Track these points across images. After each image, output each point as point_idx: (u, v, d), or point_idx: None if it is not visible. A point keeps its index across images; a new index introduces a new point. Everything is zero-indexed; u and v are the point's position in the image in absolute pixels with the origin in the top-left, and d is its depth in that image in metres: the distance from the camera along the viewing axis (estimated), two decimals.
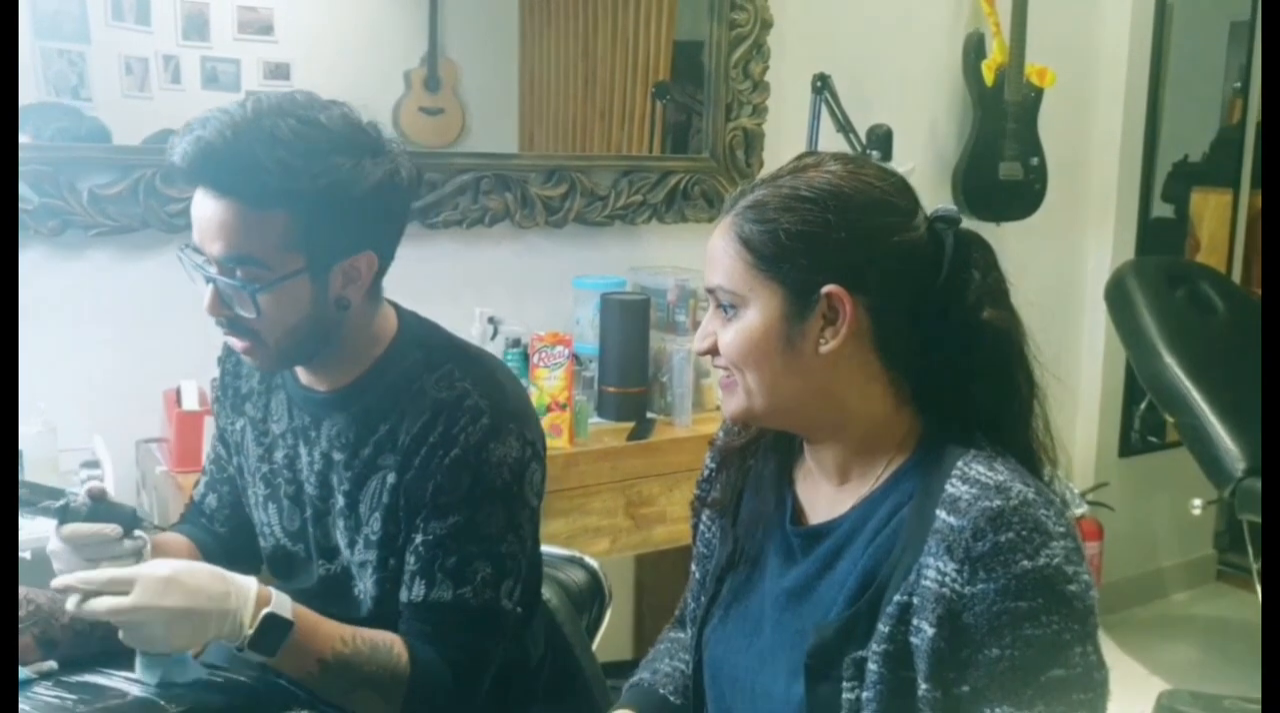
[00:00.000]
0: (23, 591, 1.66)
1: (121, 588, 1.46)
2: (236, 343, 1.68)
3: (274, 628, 1.51)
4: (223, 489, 1.98)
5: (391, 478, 1.69)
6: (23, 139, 2.51)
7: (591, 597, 2.16)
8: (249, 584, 1.52)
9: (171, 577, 1.46)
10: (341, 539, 1.77)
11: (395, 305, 1.81)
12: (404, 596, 1.68)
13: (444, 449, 1.65)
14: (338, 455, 1.75)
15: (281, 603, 1.53)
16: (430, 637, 1.65)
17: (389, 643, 1.63)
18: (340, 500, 1.75)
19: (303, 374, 1.78)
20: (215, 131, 1.53)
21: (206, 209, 1.58)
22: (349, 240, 1.63)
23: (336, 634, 1.59)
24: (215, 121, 1.55)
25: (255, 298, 1.59)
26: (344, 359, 1.73)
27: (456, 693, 1.66)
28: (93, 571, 1.48)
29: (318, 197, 1.55)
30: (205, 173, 1.56)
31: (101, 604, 1.46)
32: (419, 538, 1.67)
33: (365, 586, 1.75)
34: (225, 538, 1.97)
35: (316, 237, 1.59)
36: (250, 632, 1.50)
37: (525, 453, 1.70)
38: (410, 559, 1.68)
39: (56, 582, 1.48)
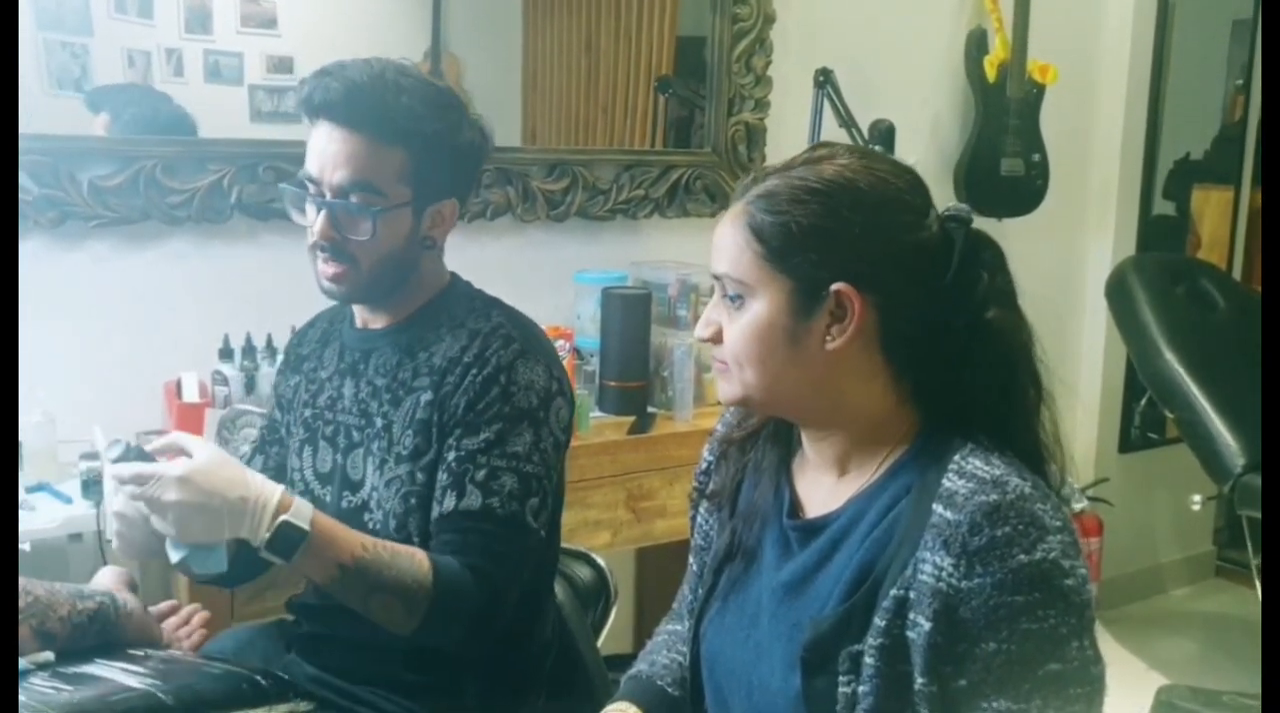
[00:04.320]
0: (21, 582, 1.66)
1: (143, 481, 1.57)
2: (330, 269, 1.82)
3: (289, 535, 1.60)
4: (271, 450, 2.08)
5: (427, 396, 1.81)
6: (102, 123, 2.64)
7: (597, 594, 2.18)
8: (270, 491, 1.61)
9: (185, 476, 1.56)
10: (371, 464, 1.86)
11: (453, 272, 1.98)
12: (435, 511, 1.77)
13: (477, 368, 1.79)
14: (379, 381, 1.88)
15: (300, 512, 1.62)
16: (458, 546, 1.73)
17: (410, 552, 1.71)
18: (378, 423, 1.86)
19: (362, 318, 1.94)
20: (356, 75, 1.76)
21: (335, 142, 1.77)
22: (444, 185, 1.84)
23: (357, 541, 1.67)
24: (353, 69, 1.77)
25: (375, 220, 1.78)
26: (403, 299, 1.90)
27: (480, 605, 1.72)
28: (123, 465, 1.59)
29: (431, 140, 1.79)
30: (346, 108, 1.75)
31: (129, 490, 1.59)
32: (451, 455, 1.77)
33: (389, 508, 1.82)
34: None
35: (423, 175, 1.80)
36: (266, 535, 1.59)
37: (552, 386, 1.83)
38: (442, 475, 1.77)
39: (106, 469, 1.63)
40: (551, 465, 1.82)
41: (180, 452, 1.62)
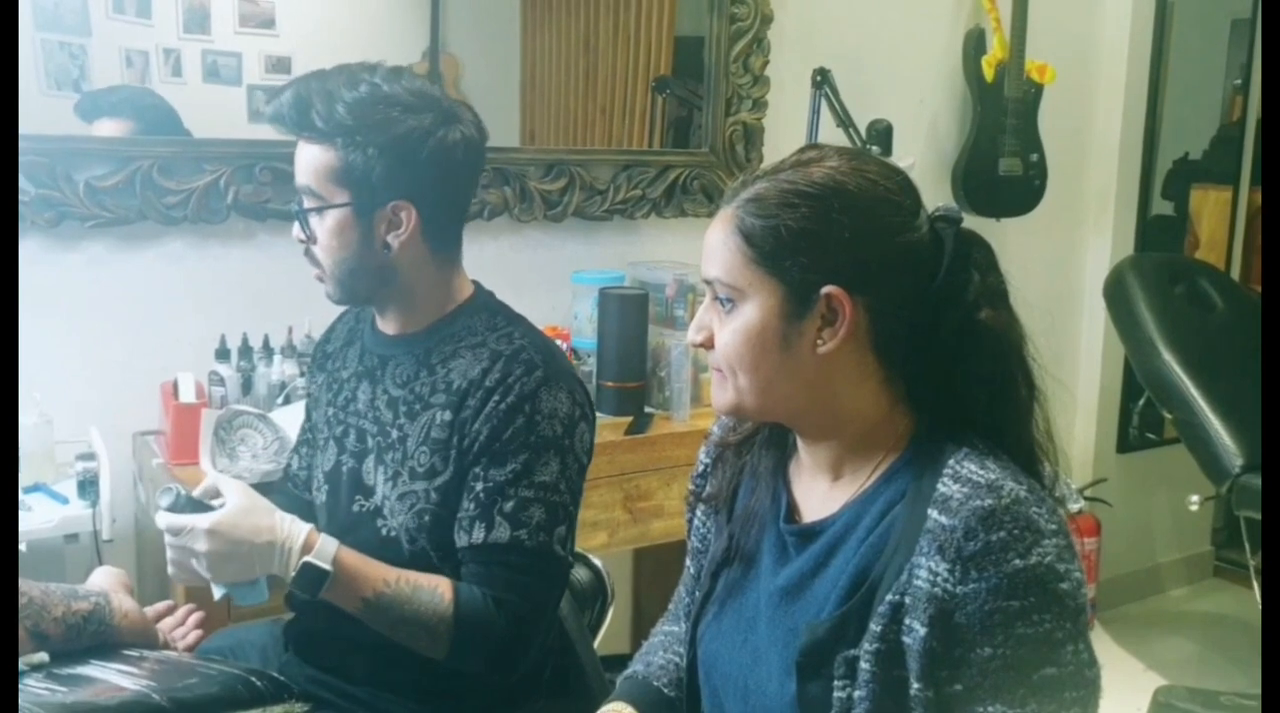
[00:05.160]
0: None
1: (177, 532, 1.66)
2: (313, 270, 1.88)
3: (312, 574, 1.68)
4: (302, 450, 2.15)
5: (445, 416, 1.81)
6: (118, 126, 2.66)
7: (594, 594, 2.18)
8: (296, 533, 1.69)
9: (212, 528, 1.65)
10: (382, 474, 1.87)
11: (477, 283, 1.97)
12: (462, 540, 1.79)
13: (500, 395, 1.78)
14: (396, 392, 1.88)
15: (323, 552, 1.69)
16: (485, 579, 1.77)
17: (433, 585, 1.75)
18: (392, 434, 1.87)
19: (379, 322, 1.95)
20: (305, 83, 1.79)
21: (298, 150, 1.82)
22: (386, 185, 1.78)
23: (379, 576, 1.73)
24: (308, 78, 1.80)
25: (306, 219, 1.83)
26: (415, 308, 1.90)
27: (507, 637, 1.76)
28: (157, 515, 1.69)
29: (357, 138, 1.75)
30: (290, 116, 1.79)
31: (166, 540, 1.68)
32: (479, 486, 1.78)
33: (402, 522, 1.83)
34: (303, 505, 2.06)
35: (356, 176, 1.77)
36: (293, 574, 1.68)
37: (575, 412, 1.83)
38: (470, 505, 1.78)
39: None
40: (576, 491, 1.84)
41: (216, 494, 1.70)
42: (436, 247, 1.86)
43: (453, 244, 1.91)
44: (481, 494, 1.77)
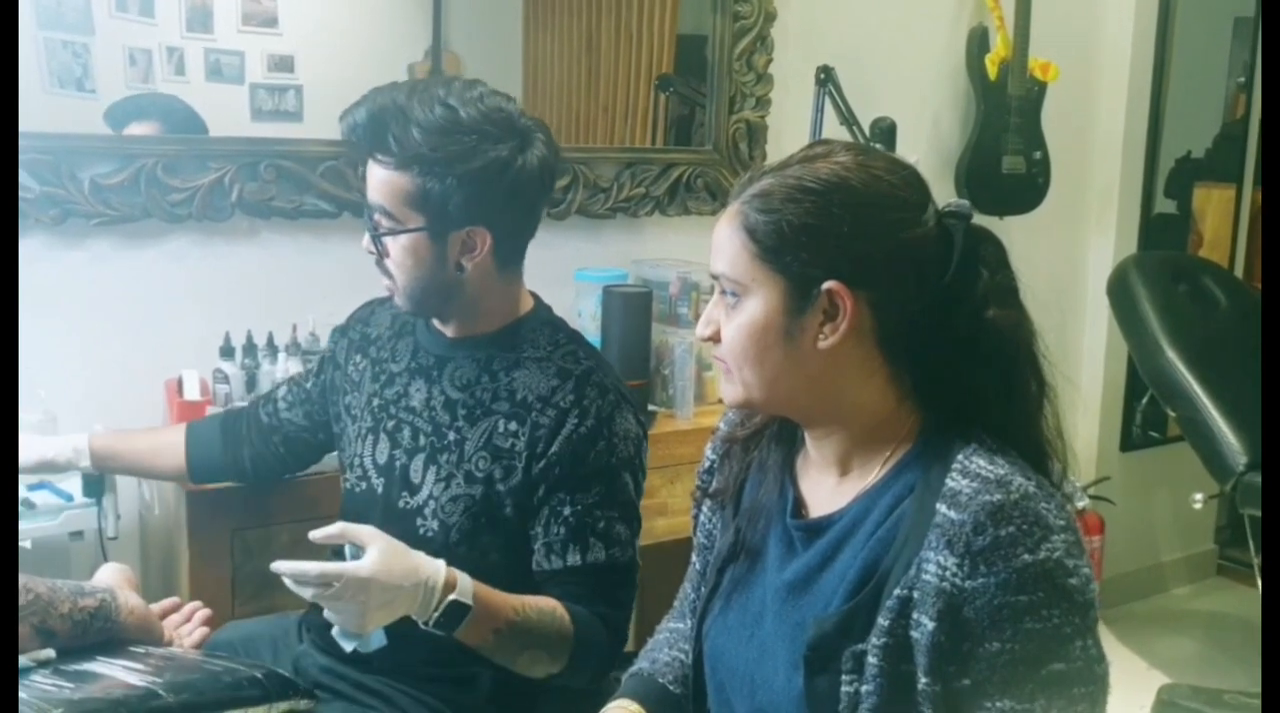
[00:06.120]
0: (22, 579, 1.66)
1: (327, 582, 1.58)
2: (383, 280, 1.91)
3: (456, 612, 1.66)
4: (298, 394, 2.19)
5: (510, 425, 1.86)
6: (148, 127, 2.68)
7: None
8: (437, 571, 1.66)
9: (371, 578, 1.59)
10: (433, 474, 1.90)
11: (535, 295, 2.03)
12: (554, 563, 1.84)
13: (578, 418, 1.83)
14: (454, 394, 1.92)
15: (464, 589, 1.68)
16: (585, 597, 1.83)
17: (552, 608, 1.79)
18: (449, 436, 1.90)
19: (436, 322, 1.98)
20: (379, 102, 1.80)
21: (370, 166, 1.84)
22: (464, 212, 1.81)
23: (509, 606, 1.74)
24: (380, 95, 1.80)
25: (380, 239, 1.85)
26: (477, 316, 1.93)
27: (610, 647, 1.85)
28: (304, 564, 1.60)
29: (436, 167, 1.77)
30: (366, 136, 1.81)
31: (307, 592, 1.60)
32: (566, 510, 1.84)
33: (453, 523, 1.86)
34: (266, 444, 2.20)
35: (434, 202, 1.79)
36: (436, 614, 1.66)
37: (639, 431, 1.91)
38: (560, 530, 1.84)
39: (276, 565, 1.61)
40: (640, 500, 1.93)
41: (345, 542, 1.65)
42: (504, 263, 1.91)
43: (519, 259, 1.96)
44: (571, 519, 1.83)
